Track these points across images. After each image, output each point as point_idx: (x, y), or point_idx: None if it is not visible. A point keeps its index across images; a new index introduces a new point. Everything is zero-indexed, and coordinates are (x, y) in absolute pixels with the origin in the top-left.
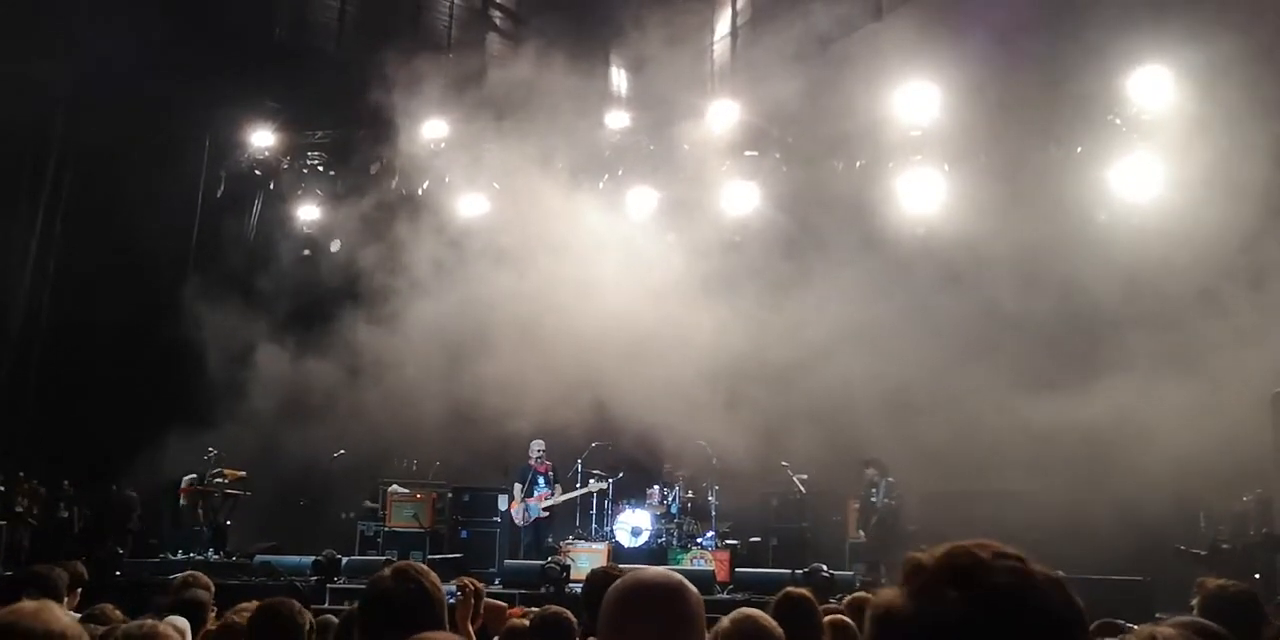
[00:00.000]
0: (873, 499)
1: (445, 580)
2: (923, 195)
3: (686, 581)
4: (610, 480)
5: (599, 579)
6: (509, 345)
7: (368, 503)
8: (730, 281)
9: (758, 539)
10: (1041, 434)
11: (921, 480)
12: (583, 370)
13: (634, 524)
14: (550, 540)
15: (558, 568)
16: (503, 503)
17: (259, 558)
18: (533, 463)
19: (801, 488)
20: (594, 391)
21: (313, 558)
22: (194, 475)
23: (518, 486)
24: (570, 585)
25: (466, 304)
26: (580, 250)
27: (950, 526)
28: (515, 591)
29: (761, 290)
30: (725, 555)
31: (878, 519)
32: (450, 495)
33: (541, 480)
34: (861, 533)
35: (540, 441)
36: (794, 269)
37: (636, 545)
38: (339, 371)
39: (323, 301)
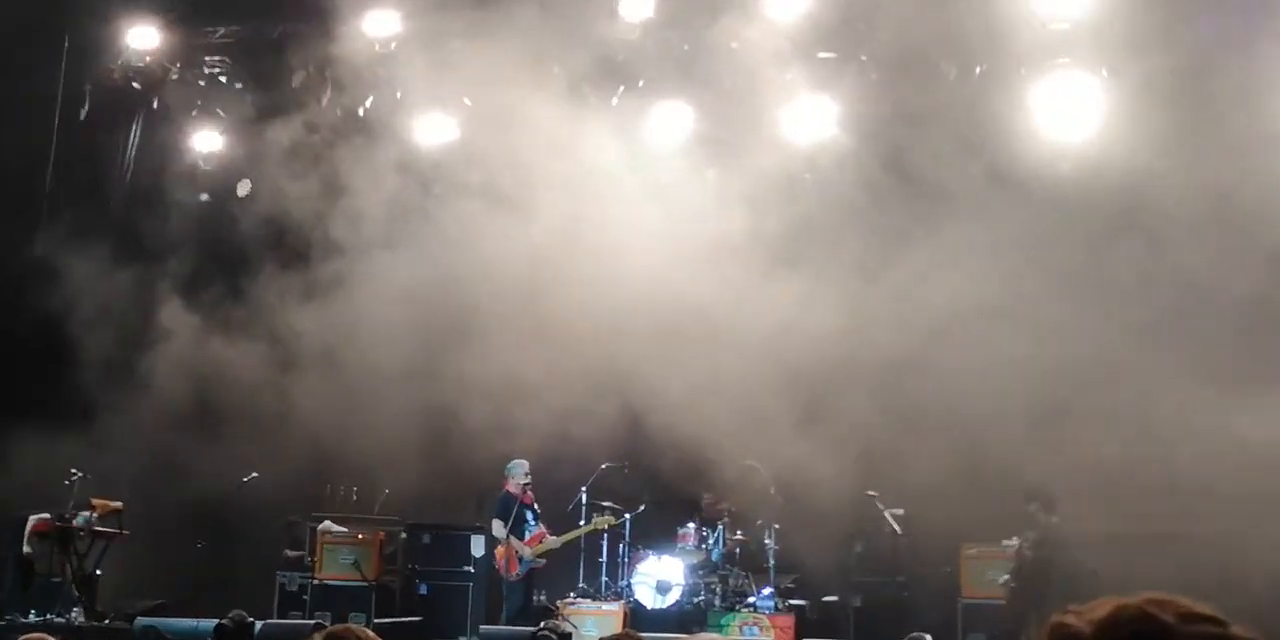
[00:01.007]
0: (1024, 547)
1: None
2: (1070, 115)
3: None
4: (627, 516)
5: None
6: (496, 329)
7: (288, 552)
8: (799, 238)
9: (833, 598)
10: (1257, 453)
11: (1082, 515)
12: (598, 363)
13: (660, 576)
14: (542, 597)
15: (555, 636)
16: (478, 546)
17: (141, 621)
18: (514, 490)
19: (897, 526)
20: (613, 393)
21: (215, 621)
22: (47, 514)
23: (498, 524)
24: None
25: (436, 272)
26: (588, 195)
27: (1123, 581)
28: None
29: (846, 251)
30: (788, 621)
31: (1023, 573)
32: (405, 536)
33: (530, 516)
34: (1008, 583)
35: (524, 462)
36: (891, 220)
37: (664, 606)
38: (257, 361)
39: (233, 265)
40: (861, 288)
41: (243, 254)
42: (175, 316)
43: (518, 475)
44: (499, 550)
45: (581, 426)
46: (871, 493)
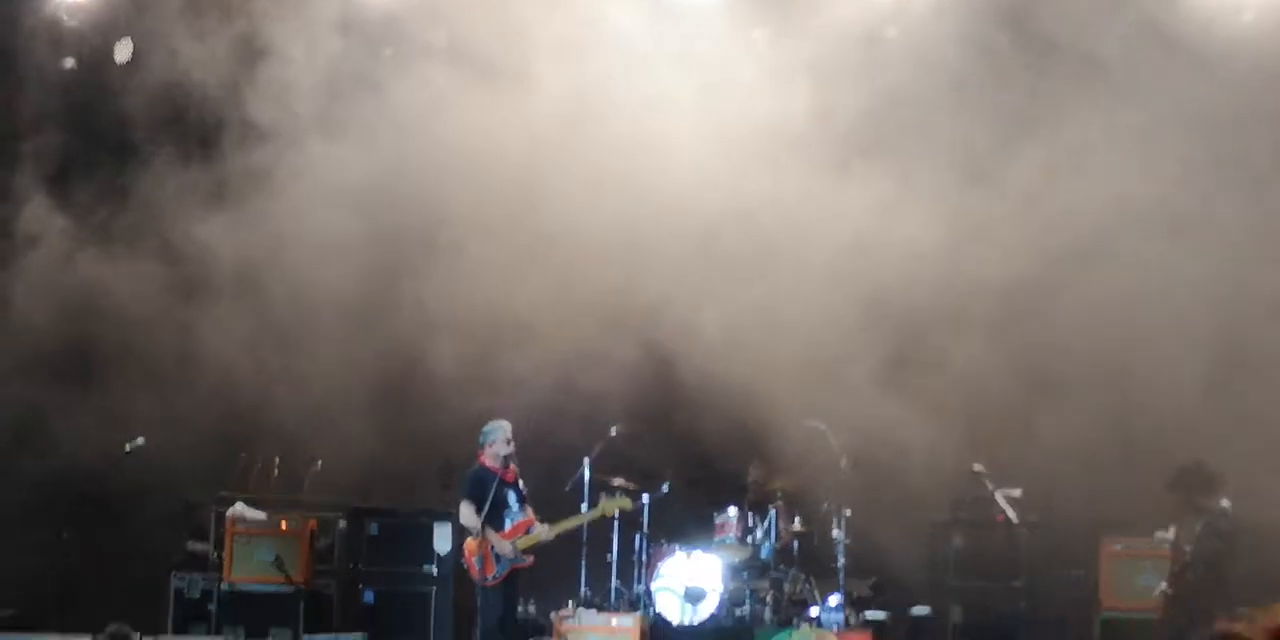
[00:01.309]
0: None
1: None
2: None
3: None
4: (646, 498)
5: None
6: (474, 245)
7: (192, 545)
8: (881, 122)
9: (925, 610)
10: None
11: (1274, 498)
12: (611, 291)
13: (691, 580)
14: (531, 609)
15: None
16: (443, 538)
17: None
18: (492, 464)
19: (1013, 513)
20: (630, 331)
21: (88, 639)
22: None
23: (468, 508)
24: None
25: (392, 167)
26: (597, 65)
27: None
28: None
29: (946, 139)
30: None
31: (1185, 578)
32: (344, 524)
33: (513, 497)
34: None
35: (505, 425)
36: (1009, 96)
37: (695, 620)
38: (148, 285)
39: (114, 155)
40: (967, 189)
41: (126, 141)
42: (37, 222)
43: (496, 442)
44: (470, 544)
45: (588, 376)
46: (979, 467)
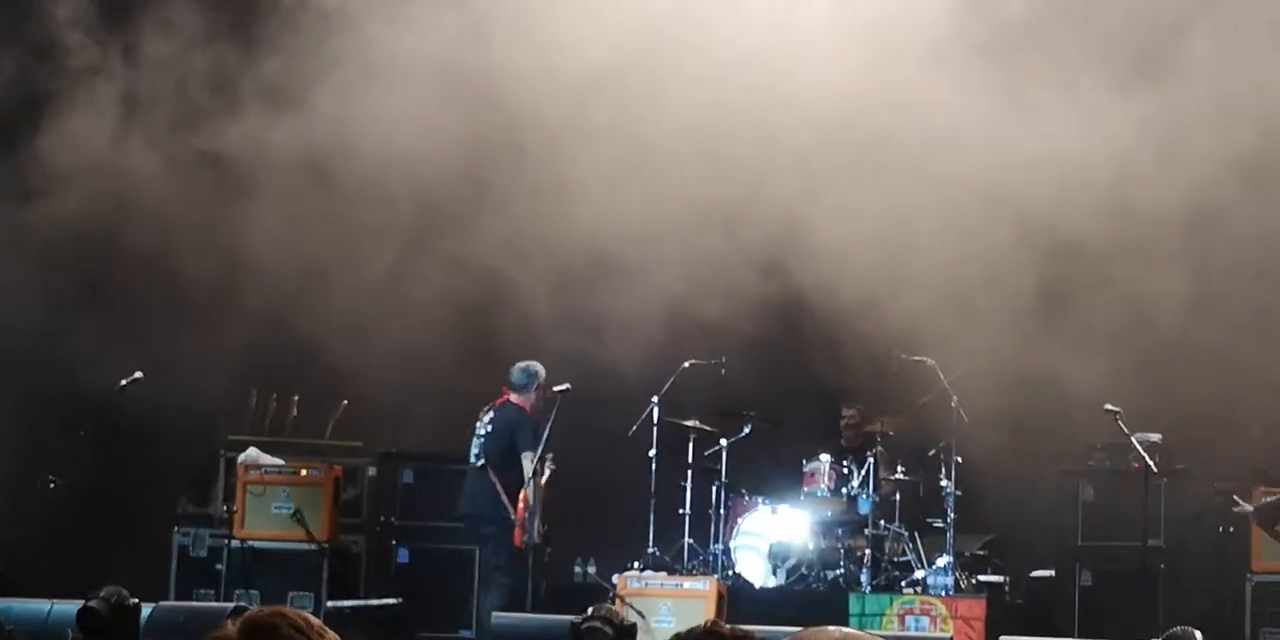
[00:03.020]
0: None
1: None
2: None
3: None
4: (724, 442)
5: None
6: (549, 133)
7: (190, 504)
8: (1047, 28)
9: (1048, 573)
10: None
11: None
12: (702, 197)
13: (776, 538)
14: (591, 569)
15: (609, 631)
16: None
17: None
18: (533, 411)
19: (1152, 462)
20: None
21: (80, 603)
22: None
23: (530, 460)
24: None
25: (472, 55)
26: None
27: None
28: None
29: (1102, 52)
30: (977, 608)
31: None
32: (374, 472)
33: None
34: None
35: (537, 365)
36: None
37: (781, 582)
38: (157, 177)
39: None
40: (1115, 107)
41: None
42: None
43: (543, 386)
44: (526, 496)
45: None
46: (1112, 407)
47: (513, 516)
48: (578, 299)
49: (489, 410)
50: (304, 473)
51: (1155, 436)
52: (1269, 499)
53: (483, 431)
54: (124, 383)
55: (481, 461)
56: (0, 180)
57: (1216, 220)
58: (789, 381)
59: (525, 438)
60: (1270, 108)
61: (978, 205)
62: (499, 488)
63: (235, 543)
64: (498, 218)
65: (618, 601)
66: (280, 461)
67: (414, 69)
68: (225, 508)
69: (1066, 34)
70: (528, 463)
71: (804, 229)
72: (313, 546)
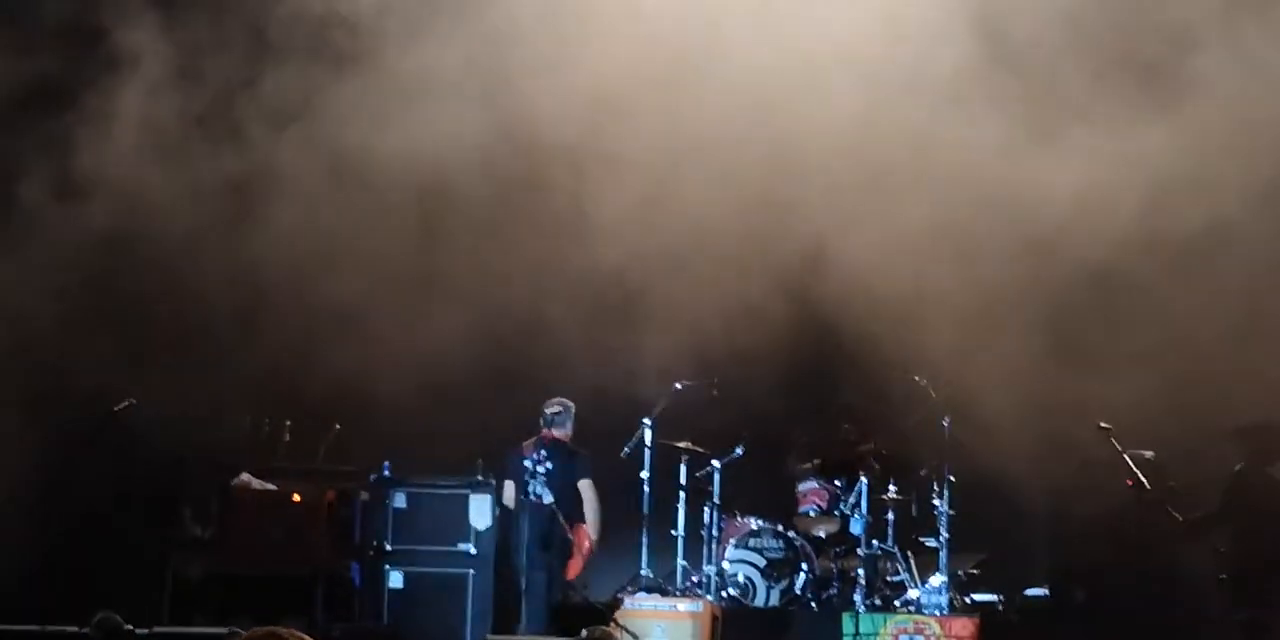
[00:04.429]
0: None
1: None
2: None
3: None
4: (716, 464)
5: None
6: (567, 159)
7: (183, 529)
8: (1060, 57)
9: (1042, 591)
10: None
11: None
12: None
13: (769, 558)
14: (585, 592)
15: None
16: (481, 513)
17: None
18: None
19: (1145, 479)
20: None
21: (74, 630)
22: None
23: (588, 485)
24: None
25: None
26: None
27: None
28: None
29: (1115, 73)
30: (972, 626)
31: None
32: (367, 496)
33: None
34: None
35: (568, 400)
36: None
37: (774, 603)
38: (167, 197)
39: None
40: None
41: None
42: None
43: (571, 421)
44: (585, 536)
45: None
46: (1105, 425)
47: (572, 548)
48: (575, 326)
49: (536, 450)
50: (297, 497)
51: (1149, 454)
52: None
53: (541, 470)
54: (117, 408)
55: (549, 499)
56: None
57: (1235, 241)
58: (783, 401)
59: (586, 467)
60: None
61: (989, 228)
62: (565, 523)
63: (229, 568)
64: (507, 246)
65: (613, 623)
66: (273, 486)
67: (437, 93)
68: (218, 532)
69: (1080, 57)
70: (589, 490)
71: (815, 253)
72: (306, 572)
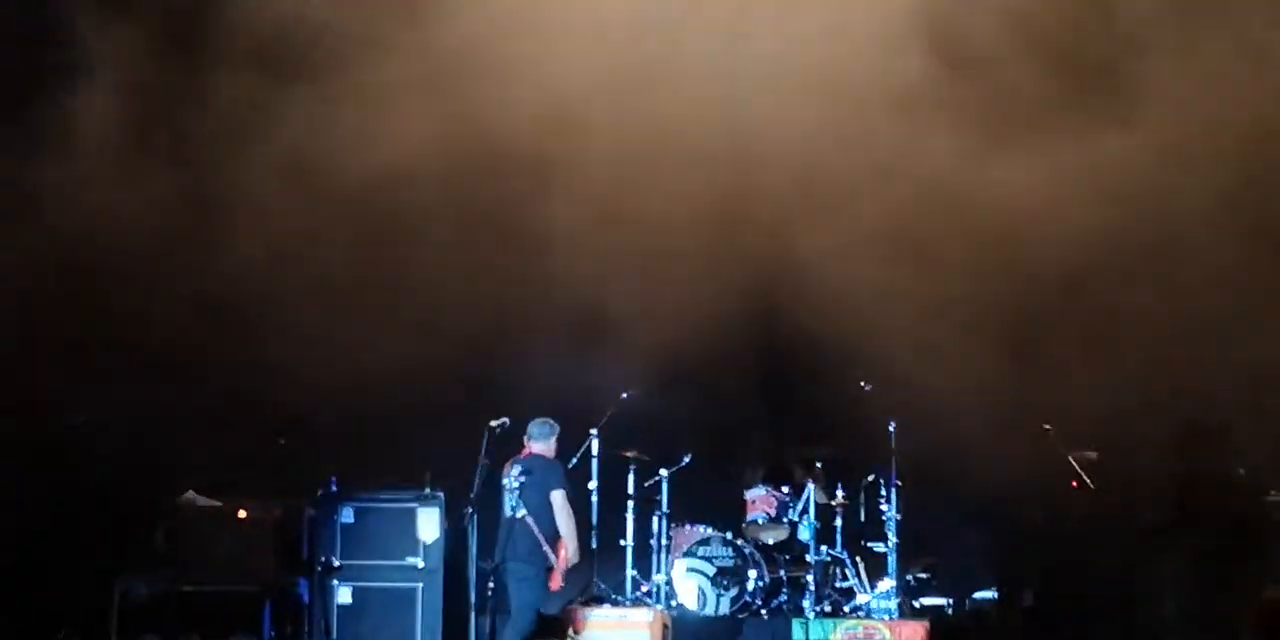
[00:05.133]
0: None
1: None
2: None
3: None
4: (664, 473)
5: None
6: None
7: (132, 548)
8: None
9: (990, 595)
10: None
11: None
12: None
13: (718, 566)
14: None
15: None
16: (429, 526)
17: None
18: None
19: (1089, 480)
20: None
21: None
22: None
23: (560, 496)
24: None
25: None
26: None
27: None
28: None
29: (1065, 82)
30: (921, 630)
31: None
32: (313, 511)
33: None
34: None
35: (552, 420)
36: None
37: (724, 611)
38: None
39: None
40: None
41: None
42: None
43: (556, 433)
44: (563, 547)
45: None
46: (1047, 426)
47: (553, 562)
48: (527, 338)
49: (515, 465)
50: (243, 513)
51: (1093, 455)
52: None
53: (515, 484)
54: (70, 424)
55: (522, 512)
56: None
57: (1187, 245)
58: (731, 409)
59: (559, 479)
60: (1239, 127)
61: (941, 235)
62: (540, 536)
63: (177, 586)
64: (458, 258)
65: (564, 635)
66: (219, 503)
67: (392, 105)
68: (166, 550)
69: (1034, 64)
70: (560, 500)
71: (767, 260)
72: (254, 588)
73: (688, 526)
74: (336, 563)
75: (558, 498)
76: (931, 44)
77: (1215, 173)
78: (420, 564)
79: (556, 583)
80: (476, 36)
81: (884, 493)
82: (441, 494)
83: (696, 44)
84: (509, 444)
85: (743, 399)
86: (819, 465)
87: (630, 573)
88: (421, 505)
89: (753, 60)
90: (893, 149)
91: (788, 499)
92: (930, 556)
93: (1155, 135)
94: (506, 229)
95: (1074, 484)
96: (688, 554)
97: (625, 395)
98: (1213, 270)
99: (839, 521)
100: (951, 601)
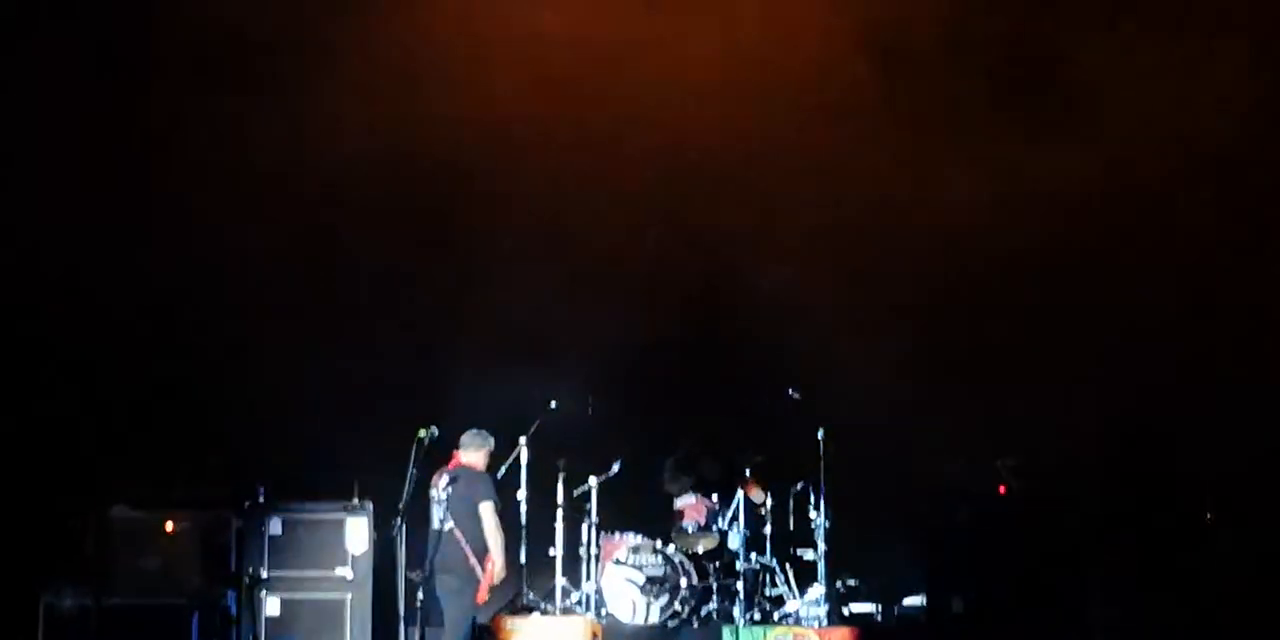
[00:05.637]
0: None
1: None
2: None
3: None
4: (593, 482)
5: None
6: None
7: (56, 562)
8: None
9: (919, 602)
10: None
11: None
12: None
13: (648, 574)
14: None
15: None
16: (357, 537)
17: None
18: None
19: (1012, 484)
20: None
21: None
22: None
23: (488, 509)
24: None
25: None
26: None
27: None
28: None
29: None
30: (848, 638)
31: None
32: (240, 523)
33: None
34: None
35: (486, 432)
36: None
37: (654, 620)
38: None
39: None
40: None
41: None
42: None
43: (486, 448)
44: (490, 561)
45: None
46: (969, 432)
47: (479, 574)
48: (456, 347)
49: (442, 475)
50: (169, 526)
51: (1012, 461)
52: None
53: (443, 497)
54: None
55: (450, 525)
56: None
57: (1124, 250)
58: (660, 418)
59: (487, 490)
60: (1181, 134)
61: (871, 243)
62: (467, 549)
63: (103, 599)
64: (394, 268)
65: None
66: (146, 514)
67: (337, 118)
68: (91, 563)
69: (972, 70)
70: (488, 513)
71: (699, 269)
72: (181, 601)
73: (617, 535)
74: (265, 574)
75: (486, 509)
76: (870, 49)
77: (1156, 180)
78: (349, 575)
79: (482, 596)
80: (413, 50)
81: (813, 500)
82: (370, 504)
83: (634, 55)
84: (440, 454)
85: (672, 408)
86: (749, 473)
87: (560, 581)
88: (350, 516)
89: (691, 68)
90: (831, 157)
91: (718, 507)
92: (859, 563)
93: (1096, 143)
94: (436, 239)
95: (1001, 488)
96: (618, 562)
97: (553, 404)
98: (1150, 276)
99: (769, 529)
100: (880, 608)
